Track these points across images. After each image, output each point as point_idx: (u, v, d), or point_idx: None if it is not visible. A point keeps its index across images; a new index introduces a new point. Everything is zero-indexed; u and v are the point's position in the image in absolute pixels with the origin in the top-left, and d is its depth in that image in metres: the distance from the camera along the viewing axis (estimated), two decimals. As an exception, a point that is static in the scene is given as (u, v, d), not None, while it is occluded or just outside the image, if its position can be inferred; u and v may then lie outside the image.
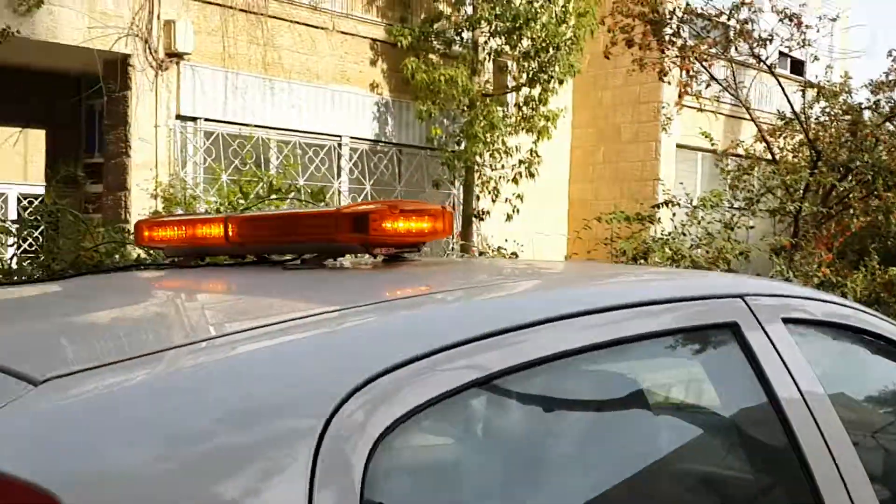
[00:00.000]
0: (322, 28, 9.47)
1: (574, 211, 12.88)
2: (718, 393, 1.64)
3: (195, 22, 8.36)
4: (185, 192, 8.13)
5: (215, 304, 1.53)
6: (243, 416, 0.91)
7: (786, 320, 1.70)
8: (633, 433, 1.44)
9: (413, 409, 0.99)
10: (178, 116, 8.36)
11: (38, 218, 6.11)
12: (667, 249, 7.46)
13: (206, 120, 8.54)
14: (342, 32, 9.66)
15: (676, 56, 9.41)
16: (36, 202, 9.06)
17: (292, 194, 5.38)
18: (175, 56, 8.24)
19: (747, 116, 10.43)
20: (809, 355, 1.71)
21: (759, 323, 1.62)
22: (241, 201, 6.32)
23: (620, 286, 1.70)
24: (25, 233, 6.70)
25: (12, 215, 9.09)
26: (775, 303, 1.75)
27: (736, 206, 9.14)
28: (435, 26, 10.11)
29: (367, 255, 1.77)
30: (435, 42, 10.10)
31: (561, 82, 10.03)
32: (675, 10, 9.46)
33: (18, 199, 8.74)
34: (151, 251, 3.88)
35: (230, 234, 1.75)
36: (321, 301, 1.42)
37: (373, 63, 10.03)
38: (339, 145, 9.76)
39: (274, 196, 4.27)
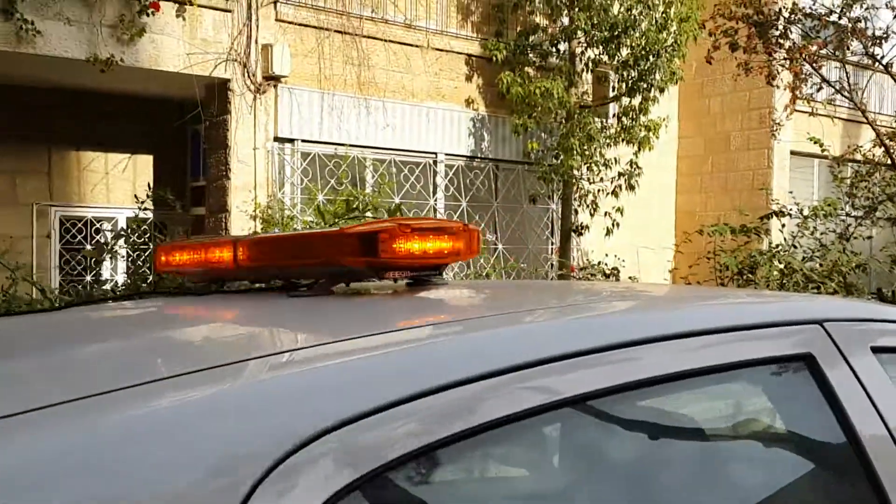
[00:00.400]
0: (416, 46, 9.47)
1: (682, 223, 12.46)
2: (788, 437, 1.42)
3: (291, 45, 8.49)
4: (283, 213, 8.26)
5: (168, 341, 1.34)
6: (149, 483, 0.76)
7: (876, 349, 1.48)
8: (672, 488, 1.25)
9: (382, 467, 0.84)
10: (276, 138, 8.49)
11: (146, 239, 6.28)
12: (776, 263, 7.05)
13: (303, 141, 8.65)
14: (437, 49, 9.63)
15: (785, 58, 8.95)
16: (144, 226, 9.39)
17: (369, 213, 5.32)
18: (272, 79, 8.37)
19: (865, 120, 9.82)
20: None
21: (842, 353, 1.40)
22: (338, 220, 6.33)
23: (662, 312, 1.49)
24: (136, 254, 6.92)
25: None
26: (863, 328, 1.52)
27: (853, 215, 8.60)
28: (530, 39, 9.97)
29: (384, 280, 1.62)
30: (531, 55, 9.96)
31: (662, 90, 9.70)
32: (781, 10, 9.00)
33: (127, 222, 9.02)
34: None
35: (239, 257, 1.65)
36: (294, 336, 1.28)
37: (468, 79, 9.96)
38: (435, 162, 9.72)
39: (351, 215, 4.22)
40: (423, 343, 1.17)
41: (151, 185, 9.34)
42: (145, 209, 5.00)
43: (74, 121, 8.80)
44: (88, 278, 7.88)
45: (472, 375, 0.99)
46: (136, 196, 5.14)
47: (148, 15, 7.43)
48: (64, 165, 8.94)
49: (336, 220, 4.68)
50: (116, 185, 9.13)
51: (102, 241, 6.33)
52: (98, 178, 9.13)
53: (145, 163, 9.44)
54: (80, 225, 9.10)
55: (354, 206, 4.99)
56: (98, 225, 9.09)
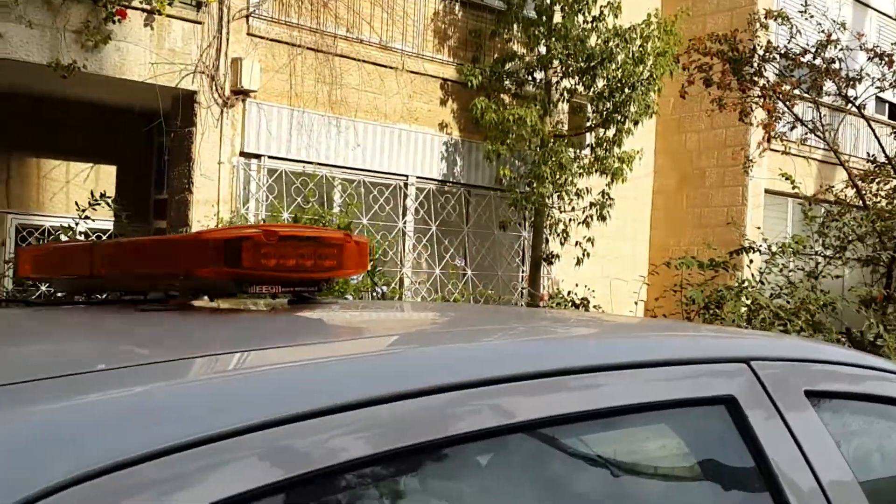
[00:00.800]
0: (391, 67, 9.37)
1: (655, 256, 12.37)
2: (701, 489, 1.26)
3: (262, 60, 8.35)
4: (245, 230, 8.07)
5: None
6: None
7: (811, 394, 1.33)
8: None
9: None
10: (242, 153, 8.32)
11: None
12: (743, 299, 6.94)
13: (270, 157, 8.49)
14: (411, 72, 9.53)
15: (758, 96, 8.92)
16: (104, 237, 9.17)
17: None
18: (241, 93, 8.22)
19: (838, 161, 9.81)
20: (846, 443, 1.34)
21: (770, 397, 1.25)
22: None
23: (568, 342, 1.34)
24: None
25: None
26: (797, 369, 1.37)
27: (823, 254, 8.53)
28: (507, 66, 9.91)
29: (253, 295, 1.42)
30: (506, 82, 9.89)
31: (636, 123, 9.64)
32: (755, 47, 8.98)
33: (86, 233, 8.80)
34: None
35: (95, 265, 1.47)
36: (91, 356, 1.10)
37: (442, 102, 9.87)
38: (406, 185, 9.59)
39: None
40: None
41: (112, 195, 9.15)
42: (86, 217, 4.78)
43: (36, 128, 8.59)
44: (43, 289, 7.67)
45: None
46: (76, 203, 4.93)
47: (114, 22, 7.27)
48: (23, 172, 8.72)
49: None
50: (77, 195, 8.90)
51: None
52: (58, 186, 8.91)
53: (108, 173, 9.24)
54: (36, 234, 8.86)
55: (301, 222, 4.81)
56: (55, 234, 8.87)
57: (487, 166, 10.00)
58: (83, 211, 4.76)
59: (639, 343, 1.35)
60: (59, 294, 1.76)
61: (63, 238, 7.73)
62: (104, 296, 1.68)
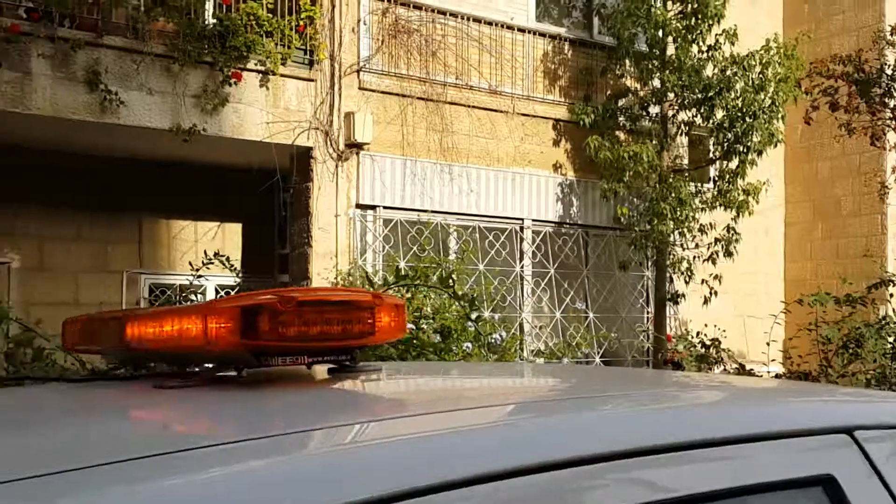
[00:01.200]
0: (501, 111, 9.34)
1: (791, 291, 11.73)
2: None
3: (374, 112, 8.48)
4: (364, 280, 8.14)
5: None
6: None
7: None
8: None
9: None
10: (358, 205, 8.44)
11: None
12: (885, 336, 6.41)
13: (385, 207, 8.57)
14: (522, 114, 9.48)
15: (890, 118, 8.36)
16: (232, 293, 9.46)
17: (418, 280, 5.06)
18: (354, 146, 8.36)
19: None
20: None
21: (878, 474, 1.04)
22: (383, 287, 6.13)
23: (630, 414, 1.17)
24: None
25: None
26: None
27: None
28: (620, 102, 9.71)
29: (275, 366, 1.28)
30: (620, 118, 9.68)
31: (760, 153, 9.22)
32: (883, 66, 8.45)
33: (216, 290, 9.10)
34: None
35: (128, 336, 1.37)
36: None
37: (555, 143, 9.74)
38: (521, 228, 9.47)
39: (400, 281, 3.98)
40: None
41: (238, 252, 9.45)
42: (199, 276, 4.90)
43: (165, 191, 8.99)
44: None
45: None
46: (190, 263, 5.05)
47: (230, 85, 7.55)
48: (154, 234, 9.13)
49: (386, 287, 4.47)
50: (203, 254, 9.24)
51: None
52: (188, 246, 9.27)
53: (234, 231, 9.55)
54: (168, 292, 9.22)
55: (404, 272, 4.75)
56: (186, 293, 9.21)
57: (604, 205, 9.78)
58: (197, 270, 4.87)
59: (708, 415, 1.17)
60: (110, 366, 1.72)
61: (192, 297, 8.01)
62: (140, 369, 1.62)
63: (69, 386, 1.53)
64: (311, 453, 0.93)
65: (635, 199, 9.83)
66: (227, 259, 5.18)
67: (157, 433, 1.05)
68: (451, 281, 3.74)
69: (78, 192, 8.46)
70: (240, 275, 5.43)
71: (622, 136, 9.73)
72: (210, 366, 1.36)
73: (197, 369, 1.42)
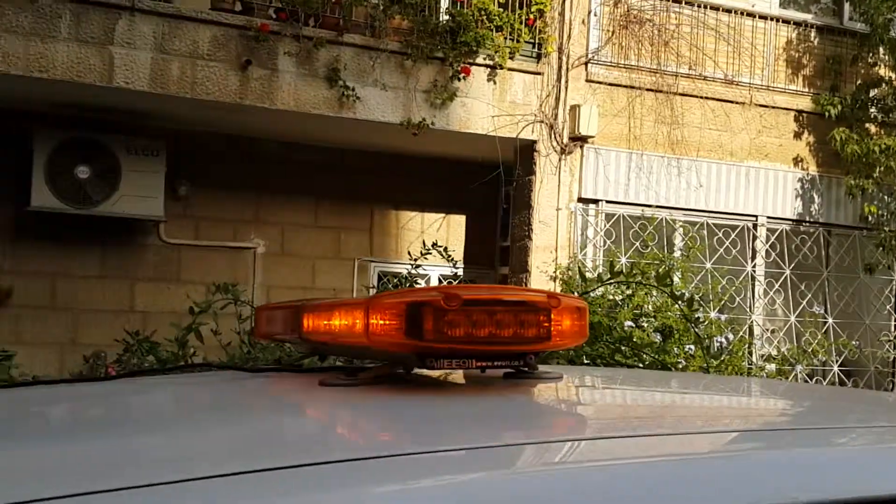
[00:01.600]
0: (737, 102, 8.85)
1: None
2: None
3: (600, 105, 8.32)
4: (584, 275, 8.02)
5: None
6: None
7: None
8: None
9: None
10: (580, 199, 8.32)
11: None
12: None
13: (608, 202, 8.39)
14: (760, 105, 8.93)
15: None
16: (455, 283, 9.66)
17: (638, 277, 4.86)
18: (579, 140, 8.25)
19: None
20: None
21: None
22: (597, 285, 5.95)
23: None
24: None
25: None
26: None
27: None
28: (872, 93, 8.90)
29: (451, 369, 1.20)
30: (871, 109, 8.88)
31: None
32: None
33: (439, 279, 9.35)
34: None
35: (304, 328, 1.34)
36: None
37: (796, 136, 9.10)
38: (755, 226, 8.94)
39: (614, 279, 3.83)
40: None
41: (463, 243, 9.64)
42: (418, 266, 5.01)
43: (394, 182, 9.34)
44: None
45: None
46: (409, 253, 5.19)
47: (459, 80, 7.69)
48: (384, 224, 9.50)
49: (599, 284, 4.34)
50: (423, 244, 9.51)
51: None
52: (414, 236, 9.57)
53: (458, 223, 9.75)
54: (395, 280, 9.58)
55: (619, 268, 4.56)
56: (412, 281, 9.52)
57: (849, 203, 9.01)
58: (415, 260, 5.00)
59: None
60: (299, 354, 1.73)
61: (418, 283, 8.26)
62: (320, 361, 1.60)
63: (244, 375, 1.54)
64: (520, 470, 0.88)
65: (886, 197, 8.98)
66: (445, 250, 5.27)
67: (353, 437, 1.02)
68: (669, 279, 3.55)
69: (316, 181, 8.98)
70: (457, 265, 5.50)
71: (872, 128, 8.92)
72: (374, 364, 1.31)
73: (368, 365, 1.37)
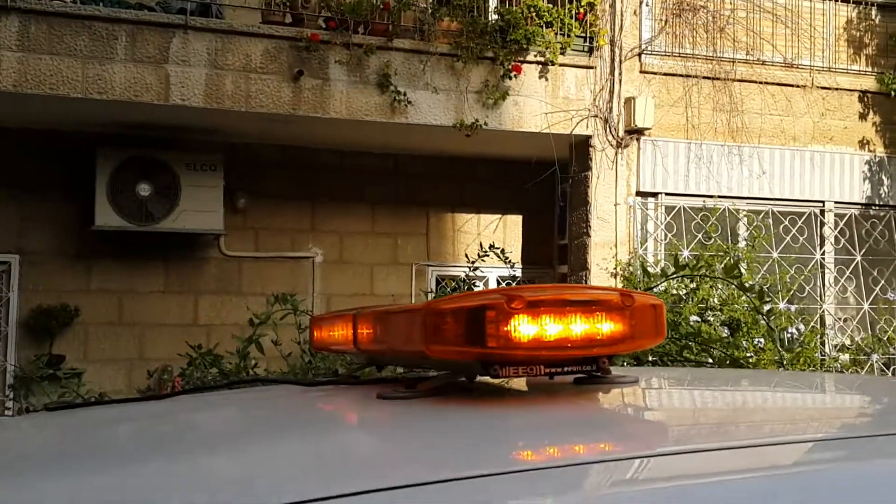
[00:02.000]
0: (798, 86, 8.60)
1: None
2: None
3: (655, 96, 8.16)
4: (645, 270, 7.86)
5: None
6: None
7: None
8: None
9: None
10: (638, 193, 8.17)
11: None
12: None
13: (667, 194, 8.21)
14: (822, 88, 8.66)
15: None
16: (514, 284, 9.59)
17: (703, 269, 4.70)
18: (634, 132, 8.10)
19: None
20: None
21: None
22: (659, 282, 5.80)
23: None
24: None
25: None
26: None
27: None
28: (938, 67, 8.57)
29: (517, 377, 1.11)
30: (939, 85, 8.54)
31: None
32: None
33: (498, 281, 9.28)
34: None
35: (358, 338, 1.27)
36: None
37: (861, 117, 8.80)
38: (822, 212, 8.67)
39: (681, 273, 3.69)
40: None
41: (520, 244, 9.54)
42: (475, 268, 4.95)
43: (449, 185, 9.30)
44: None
45: None
46: (466, 255, 5.13)
47: (510, 78, 7.61)
48: (440, 227, 9.46)
49: (664, 279, 4.21)
50: (481, 246, 9.45)
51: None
52: (471, 238, 9.51)
53: (514, 223, 9.66)
54: (453, 284, 9.53)
55: (685, 262, 4.42)
56: (470, 284, 9.47)
57: (922, 185, 8.69)
58: (473, 262, 4.93)
59: None
60: (354, 366, 1.67)
61: (476, 286, 8.20)
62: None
63: (299, 389, 1.49)
64: (605, 490, 0.81)
65: (961, 177, 8.65)
66: (502, 251, 5.19)
67: (415, 458, 0.96)
68: (737, 270, 3.42)
69: (370, 187, 8.98)
70: (514, 266, 5.41)
71: (942, 105, 8.59)
72: (434, 374, 1.24)
73: (427, 375, 1.30)
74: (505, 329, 1.03)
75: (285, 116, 7.22)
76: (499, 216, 9.60)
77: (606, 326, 1.09)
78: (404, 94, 7.26)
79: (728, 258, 7.30)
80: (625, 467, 0.84)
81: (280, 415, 1.30)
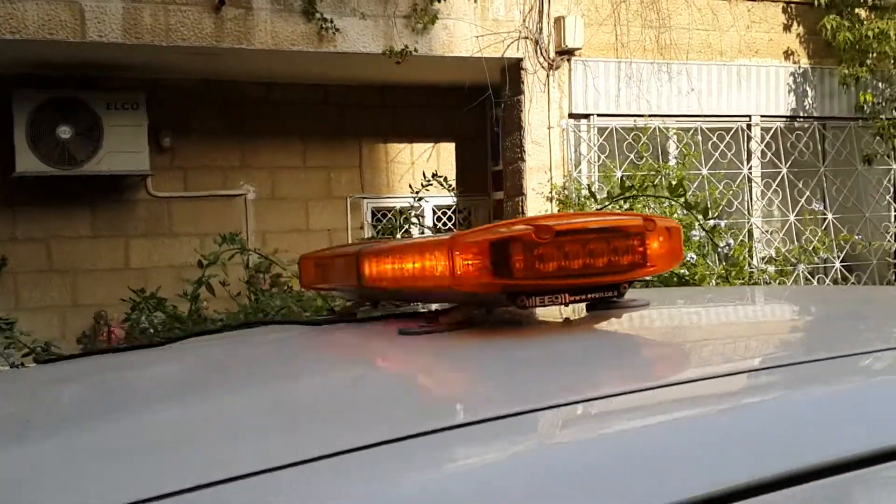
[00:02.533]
0: (724, -1, 8.63)
1: None
2: None
3: (585, 14, 8.11)
4: (580, 193, 7.94)
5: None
6: None
7: None
8: None
9: None
10: (571, 115, 8.16)
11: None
12: None
13: (599, 115, 8.23)
14: (748, 0, 8.71)
15: None
16: (448, 212, 9.58)
17: (651, 190, 4.75)
18: (565, 53, 8.06)
19: None
20: None
21: None
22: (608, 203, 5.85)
23: None
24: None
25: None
26: None
27: None
28: (861, -25, 8.68)
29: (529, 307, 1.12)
30: (862, -6, 8.67)
31: None
32: None
33: (433, 210, 9.25)
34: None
35: (364, 275, 1.27)
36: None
37: (785, 28, 8.90)
38: (749, 126, 8.81)
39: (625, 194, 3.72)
40: None
41: (453, 171, 9.50)
42: (420, 199, 4.91)
43: (381, 114, 9.16)
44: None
45: None
46: (410, 186, 5.08)
47: (439, 1, 7.46)
48: (373, 158, 9.34)
49: (610, 201, 4.25)
50: (422, 175, 9.38)
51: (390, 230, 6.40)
52: (405, 168, 9.43)
53: (448, 150, 9.60)
54: (389, 215, 9.48)
55: (643, 182, 4.48)
56: (406, 214, 9.42)
57: (844, 94, 8.87)
58: (417, 192, 4.88)
59: None
60: (348, 303, 1.65)
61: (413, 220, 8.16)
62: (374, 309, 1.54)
63: (318, 330, 1.46)
64: (652, 418, 0.79)
65: (880, 84, 8.84)
66: (445, 179, 5.15)
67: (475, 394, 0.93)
68: (682, 189, 3.46)
69: (301, 120, 8.80)
70: (460, 194, 5.38)
71: (863, 13, 8.71)
72: (446, 307, 1.24)
73: (436, 309, 1.30)
74: (532, 260, 1.04)
75: (209, 49, 6.97)
76: (432, 144, 9.53)
77: (628, 252, 1.10)
78: (331, 22, 7.06)
79: (660, 177, 7.40)
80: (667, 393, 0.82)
81: (318, 355, 1.27)
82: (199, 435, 0.84)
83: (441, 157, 9.55)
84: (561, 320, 1.25)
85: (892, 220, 9.32)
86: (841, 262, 8.81)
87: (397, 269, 1.19)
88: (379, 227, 8.69)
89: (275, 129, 8.70)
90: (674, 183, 3.53)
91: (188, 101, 8.34)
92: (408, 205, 6.25)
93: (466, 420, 0.79)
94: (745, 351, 1.09)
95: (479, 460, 0.72)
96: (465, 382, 0.98)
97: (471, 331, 1.16)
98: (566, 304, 1.14)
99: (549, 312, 1.27)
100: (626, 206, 5.75)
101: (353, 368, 1.12)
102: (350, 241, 8.89)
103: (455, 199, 8.99)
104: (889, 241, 9.13)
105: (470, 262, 1.06)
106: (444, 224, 9.51)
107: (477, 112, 8.49)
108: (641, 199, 4.09)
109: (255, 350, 1.41)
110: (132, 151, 7.51)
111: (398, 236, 4.63)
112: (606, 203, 4.27)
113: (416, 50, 7.44)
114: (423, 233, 6.08)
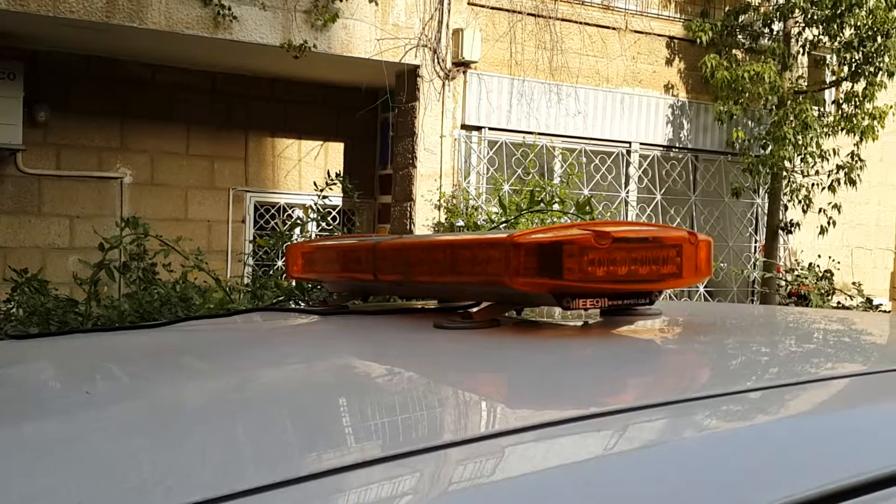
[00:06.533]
0: (613, 28, 8.95)
1: (905, 223, 11.21)
2: None
3: (483, 29, 8.23)
4: (468, 203, 8.04)
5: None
6: None
7: None
8: None
9: None
10: (464, 126, 8.27)
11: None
12: None
13: (490, 129, 8.37)
14: (635, 31, 9.07)
15: None
16: (333, 212, 9.48)
17: (556, 205, 4.92)
18: (462, 65, 8.15)
19: None
20: None
21: None
22: (520, 214, 5.97)
23: None
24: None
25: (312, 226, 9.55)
26: None
27: None
28: (740, 19, 9.20)
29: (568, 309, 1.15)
30: (739, 36, 9.19)
31: (892, 75, 8.65)
32: None
33: (305, 210, 9.11)
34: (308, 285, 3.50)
35: (379, 268, 1.28)
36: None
37: (668, 62, 9.33)
38: (628, 152, 9.17)
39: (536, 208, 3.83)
40: None
41: (341, 172, 9.42)
42: (324, 197, 4.84)
43: (271, 108, 8.99)
44: (280, 264, 8.01)
45: None
46: (315, 183, 5.00)
47: (341, 0, 7.40)
48: (259, 152, 9.15)
49: (518, 214, 4.34)
50: (308, 173, 9.26)
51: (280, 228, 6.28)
52: (291, 164, 9.29)
53: (337, 150, 9.51)
54: (273, 211, 9.30)
55: (540, 197, 4.60)
56: (290, 211, 9.27)
57: (718, 129, 9.38)
58: (321, 190, 4.80)
59: None
60: (332, 296, 1.62)
61: (302, 216, 8.02)
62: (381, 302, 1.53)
63: (350, 321, 1.40)
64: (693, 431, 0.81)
65: (750, 123, 9.40)
66: (344, 180, 5.10)
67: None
68: (589, 207, 3.57)
69: (186, 106, 8.52)
70: (356, 196, 5.34)
71: (740, 55, 9.25)
72: (475, 305, 1.25)
73: (461, 308, 1.30)
74: (584, 263, 1.07)
75: (98, 24, 6.64)
76: (321, 143, 9.42)
77: (667, 262, 1.14)
78: (229, 9, 6.88)
79: (543, 193, 7.59)
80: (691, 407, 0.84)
81: (368, 347, 1.22)
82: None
83: (329, 156, 9.46)
84: (580, 324, 1.27)
85: (752, 250, 9.90)
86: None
87: (435, 263, 1.20)
88: (270, 227, 8.53)
89: (158, 112, 8.38)
90: (586, 200, 3.61)
91: (69, 77, 7.92)
92: (302, 204, 6.15)
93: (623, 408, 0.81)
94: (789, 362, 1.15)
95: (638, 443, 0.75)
96: (557, 378, 0.99)
97: (498, 328, 1.18)
98: (604, 308, 1.18)
99: (563, 315, 1.30)
100: (524, 220, 5.88)
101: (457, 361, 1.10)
102: (253, 236, 8.66)
103: (340, 201, 8.92)
104: (748, 269, 9.69)
105: (524, 263, 1.08)
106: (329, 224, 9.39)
107: (368, 114, 8.47)
108: (538, 213, 4.20)
109: (307, 337, 1.36)
110: (4, 123, 7.06)
111: (302, 234, 4.54)
112: (516, 214, 4.34)
113: (314, 46, 7.34)
114: (333, 232, 5.99)
